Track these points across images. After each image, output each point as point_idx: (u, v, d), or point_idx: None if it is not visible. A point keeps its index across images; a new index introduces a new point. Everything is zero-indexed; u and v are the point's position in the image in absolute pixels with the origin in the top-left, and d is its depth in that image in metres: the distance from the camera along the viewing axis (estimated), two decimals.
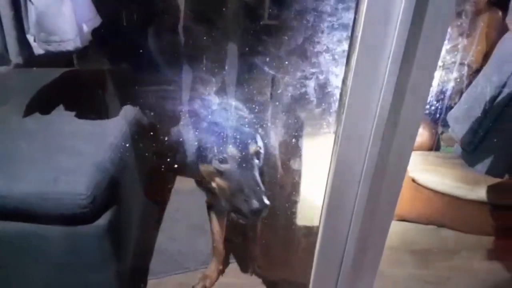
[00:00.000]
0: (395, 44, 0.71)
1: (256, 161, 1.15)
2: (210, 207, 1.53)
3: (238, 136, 1.14)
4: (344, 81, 0.79)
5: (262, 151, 1.17)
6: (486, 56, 2.37)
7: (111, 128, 1.41)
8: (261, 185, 1.10)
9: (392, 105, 0.76)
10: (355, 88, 0.76)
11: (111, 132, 1.39)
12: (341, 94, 0.80)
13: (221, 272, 1.64)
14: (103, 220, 1.22)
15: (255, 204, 1.06)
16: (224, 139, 1.13)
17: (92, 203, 1.17)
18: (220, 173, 1.14)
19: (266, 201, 1.07)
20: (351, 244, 0.90)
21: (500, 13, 2.33)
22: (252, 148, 1.14)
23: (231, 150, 1.12)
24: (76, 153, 1.28)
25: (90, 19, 1.19)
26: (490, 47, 2.35)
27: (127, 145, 1.39)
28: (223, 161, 1.13)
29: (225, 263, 1.68)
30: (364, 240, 0.90)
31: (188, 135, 1.21)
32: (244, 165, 1.11)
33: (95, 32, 1.21)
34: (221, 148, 1.13)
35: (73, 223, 1.20)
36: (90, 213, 1.19)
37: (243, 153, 1.12)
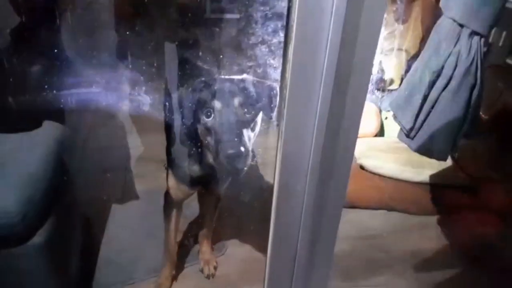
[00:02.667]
0: (332, 32, 0.69)
1: (243, 113, 1.15)
2: (168, 204, 1.46)
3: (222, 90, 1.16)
4: (282, 74, 0.76)
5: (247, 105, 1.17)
6: (422, 42, 2.46)
7: (42, 135, 1.29)
8: (242, 134, 1.12)
9: (334, 94, 0.74)
10: (294, 80, 0.73)
11: (42, 140, 1.27)
12: (281, 87, 0.77)
13: (174, 278, 1.58)
14: (38, 238, 1.12)
15: (229, 150, 1.08)
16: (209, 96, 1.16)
17: (23, 220, 1.06)
18: (208, 129, 1.15)
19: (241, 148, 1.08)
20: (304, 236, 0.89)
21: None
22: (235, 100, 1.15)
23: (216, 103, 1.14)
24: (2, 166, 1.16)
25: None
26: (426, 32, 2.43)
27: (63, 152, 1.29)
28: (209, 115, 1.14)
29: (178, 268, 1.62)
30: (317, 230, 0.90)
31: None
32: (228, 117, 1.13)
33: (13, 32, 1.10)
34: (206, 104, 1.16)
35: (5, 244, 1.09)
36: (23, 231, 1.08)
37: (227, 105, 1.14)
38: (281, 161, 0.81)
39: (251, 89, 1.18)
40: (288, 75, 0.73)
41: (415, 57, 2.52)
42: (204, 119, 1.15)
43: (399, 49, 2.48)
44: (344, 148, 0.81)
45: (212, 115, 1.14)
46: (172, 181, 1.40)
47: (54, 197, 1.20)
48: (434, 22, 2.37)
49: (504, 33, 2.33)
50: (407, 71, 2.48)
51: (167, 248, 1.53)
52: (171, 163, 1.42)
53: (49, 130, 1.31)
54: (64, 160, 1.28)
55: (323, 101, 0.74)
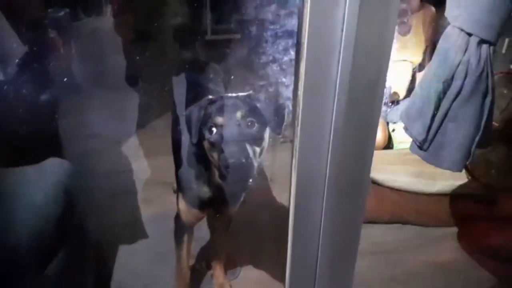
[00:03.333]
0: (343, 46, 0.68)
1: (246, 126, 1.15)
2: (179, 228, 1.44)
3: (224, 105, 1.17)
4: (294, 92, 0.75)
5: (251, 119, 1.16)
6: (425, 52, 2.46)
7: (47, 166, 1.28)
8: (244, 146, 1.11)
9: (348, 110, 0.72)
10: (307, 98, 0.72)
11: (47, 170, 1.25)
12: (293, 105, 0.76)
13: None
14: (50, 271, 1.09)
15: (230, 159, 1.08)
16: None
17: (33, 254, 1.04)
18: (212, 144, 1.15)
19: (242, 159, 1.08)
20: (324, 256, 0.86)
21: (433, 10, 2.43)
22: (238, 113, 1.14)
23: (218, 117, 1.15)
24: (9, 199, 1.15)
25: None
26: (428, 42, 2.44)
27: (70, 182, 1.27)
28: (212, 130, 1.15)
29: None
30: (336, 250, 0.87)
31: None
32: (230, 130, 1.13)
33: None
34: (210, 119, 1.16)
35: (17, 279, 1.06)
36: (33, 265, 1.06)
37: (230, 118, 1.14)
38: (297, 180, 0.79)
39: (256, 104, 1.18)
40: (300, 92, 0.71)
41: (418, 68, 2.53)
42: (208, 134, 1.15)
43: (402, 61, 2.48)
44: (361, 164, 0.79)
45: (215, 129, 1.14)
46: (182, 205, 1.38)
47: (63, 229, 1.18)
48: (436, 32, 2.39)
49: (506, 40, 2.32)
50: (411, 82, 2.50)
51: (180, 273, 1.50)
52: (180, 186, 1.40)
53: (54, 160, 1.30)
54: (71, 190, 1.26)
55: (337, 117, 0.73)
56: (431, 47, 2.41)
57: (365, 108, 0.74)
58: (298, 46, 0.70)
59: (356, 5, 0.64)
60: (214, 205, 1.39)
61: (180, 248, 1.46)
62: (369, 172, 0.81)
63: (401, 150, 2.30)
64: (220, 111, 1.15)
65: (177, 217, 1.42)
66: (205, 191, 1.32)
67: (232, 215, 1.51)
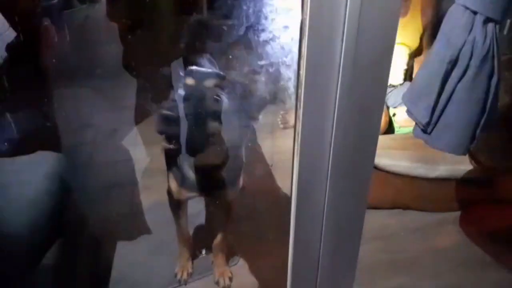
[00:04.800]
0: (347, 23, 0.65)
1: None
2: (172, 201, 1.50)
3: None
4: (298, 72, 0.72)
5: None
6: (423, 35, 2.42)
7: (43, 155, 1.25)
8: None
9: (352, 92, 0.69)
10: (309, 77, 0.69)
11: (42, 161, 1.23)
12: (296, 87, 0.73)
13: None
14: (46, 261, 1.07)
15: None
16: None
17: (29, 244, 1.02)
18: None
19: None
20: (327, 242, 0.84)
21: None
22: (209, 82, 1.19)
23: (189, 79, 1.19)
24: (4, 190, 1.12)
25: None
26: (426, 25, 2.39)
27: (65, 172, 1.24)
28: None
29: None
30: (340, 236, 0.86)
31: None
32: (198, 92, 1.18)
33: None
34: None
35: (14, 269, 1.04)
36: (30, 255, 1.04)
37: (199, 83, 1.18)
38: (299, 165, 0.76)
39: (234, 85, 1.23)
40: (302, 72, 0.68)
41: (415, 51, 2.48)
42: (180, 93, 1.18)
43: (399, 44, 2.44)
44: (365, 147, 0.77)
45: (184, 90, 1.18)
46: (172, 182, 1.43)
47: (60, 218, 1.16)
48: (435, 15, 2.35)
49: (508, 22, 2.28)
50: (410, 65, 2.46)
51: (181, 239, 1.61)
52: (168, 164, 1.44)
53: (46, 152, 1.28)
54: (67, 180, 1.24)
55: (341, 98, 0.70)
56: (430, 30, 2.36)
57: (370, 90, 0.72)
58: (301, 25, 0.67)
59: None
60: (204, 187, 1.41)
61: (176, 217, 1.55)
62: (373, 156, 0.79)
63: (402, 134, 2.28)
64: (192, 74, 1.19)
65: (169, 192, 1.47)
66: (188, 170, 1.35)
67: (228, 201, 1.52)
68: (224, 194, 1.47)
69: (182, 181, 1.39)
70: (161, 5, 1.75)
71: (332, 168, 0.76)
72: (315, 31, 0.65)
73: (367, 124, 0.75)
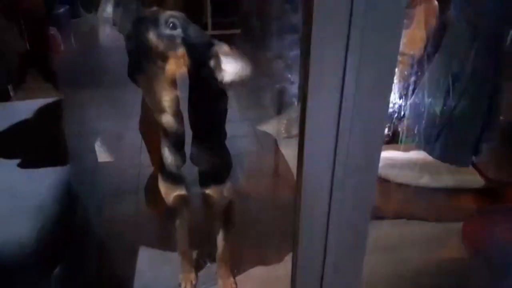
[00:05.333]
0: (352, 37, 0.66)
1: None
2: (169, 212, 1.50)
3: None
4: (301, 86, 0.73)
5: None
6: (426, 46, 2.43)
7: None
8: None
9: (355, 105, 0.71)
10: (313, 92, 0.70)
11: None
12: (300, 99, 0.74)
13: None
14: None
15: None
16: None
17: (39, 251, 1.02)
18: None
19: None
20: (331, 253, 0.84)
21: (436, 3, 2.39)
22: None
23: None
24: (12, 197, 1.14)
25: None
26: (430, 37, 2.40)
27: (72, 180, 1.26)
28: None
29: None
30: (344, 247, 0.86)
31: None
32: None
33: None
34: None
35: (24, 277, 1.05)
36: (40, 263, 1.05)
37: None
38: (303, 177, 0.77)
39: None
40: (309, 86, 0.70)
41: (419, 62, 2.49)
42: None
43: (402, 54, 2.45)
44: (369, 157, 0.78)
45: None
46: (161, 183, 1.40)
47: (68, 226, 1.17)
48: (438, 26, 2.36)
49: (510, 32, 2.29)
50: (410, 76, 2.47)
51: (181, 246, 1.59)
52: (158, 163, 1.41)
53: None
54: (74, 187, 1.25)
55: (345, 110, 0.71)
56: (433, 42, 2.38)
57: (375, 97, 0.72)
58: (307, 38, 0.68)
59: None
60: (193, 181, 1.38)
61: (174, 226, 1.53)
62: (377, 167, 0.80)
63: (407, 144, 2.28)
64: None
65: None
66: (175, 160, 1.33)
67: (221, 201, 1.48)
68: (216, 191, 1.43)
69: (168, 176, 1.37)
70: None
71: (336, 180, 0.77)
72: (320, 44, 0.67)
73: (371, 135, 0.76)
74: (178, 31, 1.15)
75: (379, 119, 0.75)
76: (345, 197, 0.80)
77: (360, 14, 0.64)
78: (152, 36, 1.13)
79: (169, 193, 1.39)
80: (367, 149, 0.77)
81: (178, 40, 1.15)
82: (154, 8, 1.19)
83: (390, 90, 0.73)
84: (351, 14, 0.64)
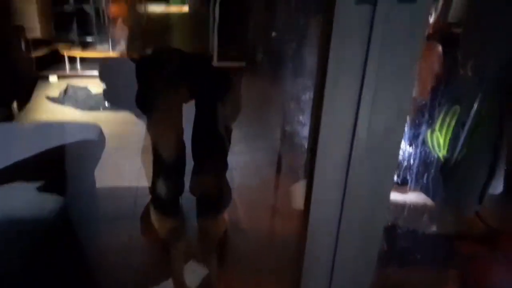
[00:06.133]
0: (365, 86, 0.67)
1: None
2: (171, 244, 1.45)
3: None
4: (313, 128, 0.73)
5: None
6: (432, 90, 2.45)
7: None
8: None
9: (365, 150, 0.71)
10: (324, 135, 0.70)
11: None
12: (311, 139, 0.75)
13: None
14: None
15: None
16: None
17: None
18: None
19: None
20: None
21: (440, 47, 2.43)
22: None
23: None
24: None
25: None
26: (434, 79, 2.43)
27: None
28: None
29: None
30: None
31: None
32: None
33: None
34: None
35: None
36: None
37: None
38: (310, 216, 0.77)
39: None
40: (321, 128, 0.70)
41: (424, 106, 2.51)
42: None
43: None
44: (379, 201, 0.77)
45: None
46: (153, 213, 1.37)
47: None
48: (441, 70, 2.39)
49: None
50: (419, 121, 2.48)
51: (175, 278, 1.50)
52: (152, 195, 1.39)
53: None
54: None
55: (354, 158, 0.71)
56: (437, 86, 2.41)
57: (383, 152, 0.73)
58: (321, 80, 0.69)
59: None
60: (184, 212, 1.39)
61: (170, 259, 1.47)
62: (384, 214, 0.79)
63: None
64: None
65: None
66: (173, 190, 1.33)
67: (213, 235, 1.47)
68: (213, 222, 1.43)
69: (161, 206, 1.36)
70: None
71: (343, 224, 0.77)
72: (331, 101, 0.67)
73: (379, 181, 0.76)
74: None
75: (388, 166, 0.75)
76: (351, 243, 0.79)
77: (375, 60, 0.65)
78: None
79: (163, 225, 1.38)
80: (375, 195, 0.77)
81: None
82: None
83: (401, 137, 0.73)
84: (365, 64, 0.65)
